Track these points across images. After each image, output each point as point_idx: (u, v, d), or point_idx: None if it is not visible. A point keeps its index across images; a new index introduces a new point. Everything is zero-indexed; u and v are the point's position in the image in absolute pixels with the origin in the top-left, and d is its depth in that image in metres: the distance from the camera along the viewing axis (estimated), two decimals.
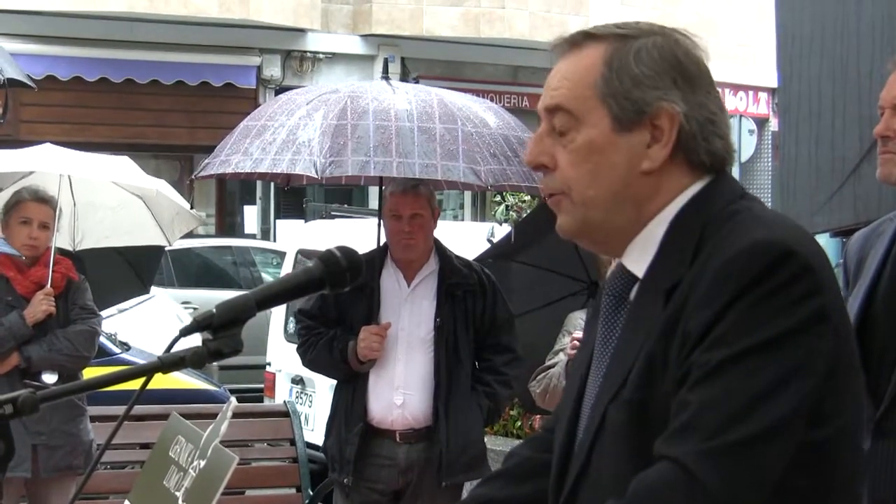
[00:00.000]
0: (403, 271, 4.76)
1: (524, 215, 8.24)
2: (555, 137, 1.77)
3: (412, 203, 4.64)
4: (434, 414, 4.66)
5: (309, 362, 4.87)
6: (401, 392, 4.67)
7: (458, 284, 4.71)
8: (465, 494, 3.60)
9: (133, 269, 6.85)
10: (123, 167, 6.09)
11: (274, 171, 4.68)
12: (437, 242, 4.81)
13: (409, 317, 4.71)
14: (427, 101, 4.75)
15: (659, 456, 1.59)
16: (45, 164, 5.70)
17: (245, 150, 4.69)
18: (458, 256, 4.85)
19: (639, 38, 1.76)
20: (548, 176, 1.79)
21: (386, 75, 5.13)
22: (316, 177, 4.51)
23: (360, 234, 4.90)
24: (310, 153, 4.51)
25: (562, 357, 4.57)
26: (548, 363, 4.67)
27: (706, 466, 1.54)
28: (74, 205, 6.16)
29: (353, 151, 4.51)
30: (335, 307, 4.76)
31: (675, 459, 1.56)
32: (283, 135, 4.63)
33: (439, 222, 4.85)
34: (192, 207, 5.83)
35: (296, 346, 4.94)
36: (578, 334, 4.49)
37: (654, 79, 1.73)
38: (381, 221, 4.88)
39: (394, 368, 4.68)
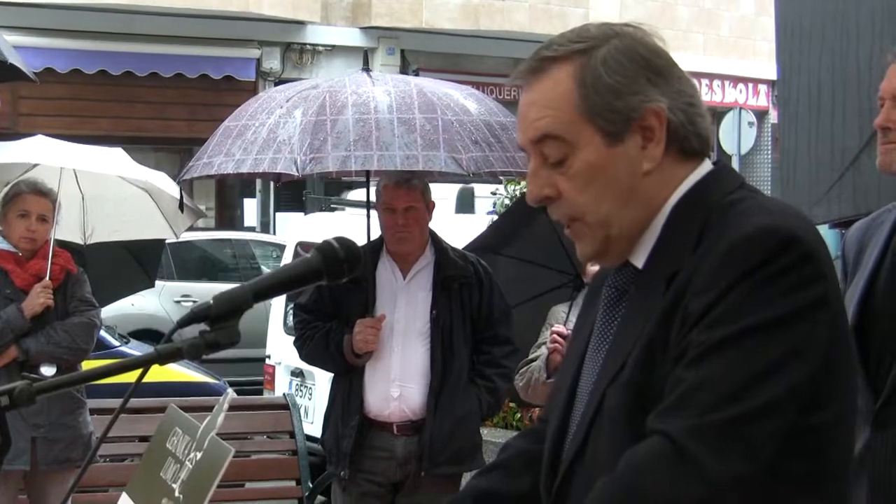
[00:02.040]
0: (399, 264, 4.75)
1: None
2: (549, 168, 1.77)
3: (406, 196, 4.62)
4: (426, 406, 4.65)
5: (306, 356, 4.87)
6: (397, 384, 4.66)
7: (454, 277, 4.70)
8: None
9: (138, 263, 6.84)
10: (122, 160, 6.08)
11: (256, 171, 4.66)
12: (433, 234, 4.80)
13: (404, 309, 4.70)
14: (406, 91, 4.72)
15: (650, 431, 1.61)
16: (51, 157, 5.68)
17: (227, 152, 4.67)
18: (454, 248, 4.83)
19: (599, 48, 1.75)
20: (554, 206, 1.79)
21: (366, 67, 5.09)
22: (296, 175, 4.49)
23: (360, 226, 4.88)
24: (290, 151, 4.49)
25: (543, 350, 4.57)
26: (530, 356, 4.66)
27: (697, 441, 1.55)
28: (83, 198, 6.14)
29: (334, 147, 4.48)
30: (331, 301, 4.74)
31: (666, 434, 1.58)
32: (263, 134, 4.61)
33: (436, 214, 4.84)
34: (181, 202, 5.78)
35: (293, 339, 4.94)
36: (558, 328, 4.50)
37: (630, 84, 1.73)
38: (371, 214, 4.86)
39: (390, 361, 4.66)
